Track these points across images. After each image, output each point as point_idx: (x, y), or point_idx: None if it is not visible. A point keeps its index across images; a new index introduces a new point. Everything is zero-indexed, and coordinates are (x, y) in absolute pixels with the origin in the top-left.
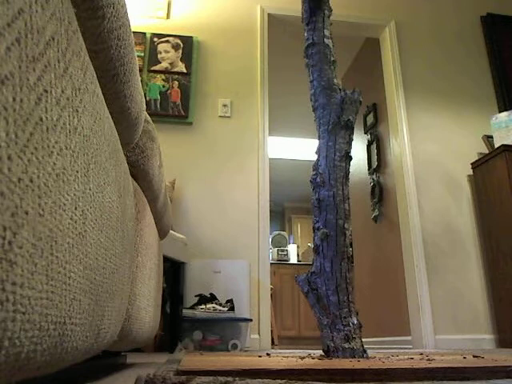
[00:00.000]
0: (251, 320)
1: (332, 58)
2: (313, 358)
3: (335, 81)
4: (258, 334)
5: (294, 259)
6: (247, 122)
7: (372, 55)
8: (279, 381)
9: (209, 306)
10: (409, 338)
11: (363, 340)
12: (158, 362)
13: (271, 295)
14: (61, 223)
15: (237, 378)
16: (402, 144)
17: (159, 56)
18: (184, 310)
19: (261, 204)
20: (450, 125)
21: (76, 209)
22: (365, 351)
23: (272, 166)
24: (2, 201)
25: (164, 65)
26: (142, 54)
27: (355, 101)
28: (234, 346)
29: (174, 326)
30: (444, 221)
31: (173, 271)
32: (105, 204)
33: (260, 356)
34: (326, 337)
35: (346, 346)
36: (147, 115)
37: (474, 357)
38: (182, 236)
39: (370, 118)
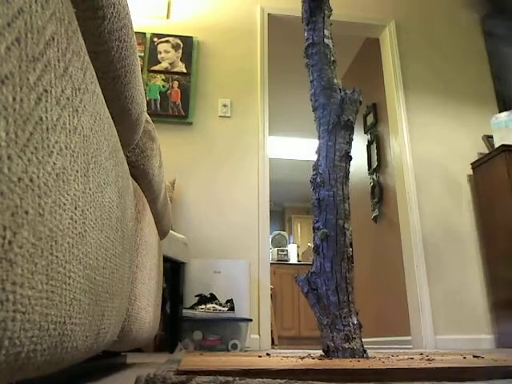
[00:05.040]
0: (251, 320)
1: (332, 58)
2: (313, 358)
3: (335, 81)
4: (258, 334)
5: (294, 259)
6: (247, 122)
7: (372, 55)
8: (279, 381)
9: (209, 306)
10: (409, 338)
11: (363, 340)
12: (157, 362)
13: (271, 295)
14: (61, 223)
15: (237, 378)
16: (402, 144)
17: (159, 56)
18: (184, 310)
19: (261, 204)
20: (450, 125)
21: (76, 209)
22: (365, 351)
23: (272, 166)
24: (2, 200)
25: (164, 65)
26: (142, 54)
27: (355, 101)
28: (234, 346)
29: (174, 326)
30: (444, 221)
31: (173, 271)
32: (105, 204)
33: (260, 356)
34: (326, 337)
35: (346, 346)
36: (147, 115)
37: (474, 357)
38: (182, 236)
39: (370, 118)
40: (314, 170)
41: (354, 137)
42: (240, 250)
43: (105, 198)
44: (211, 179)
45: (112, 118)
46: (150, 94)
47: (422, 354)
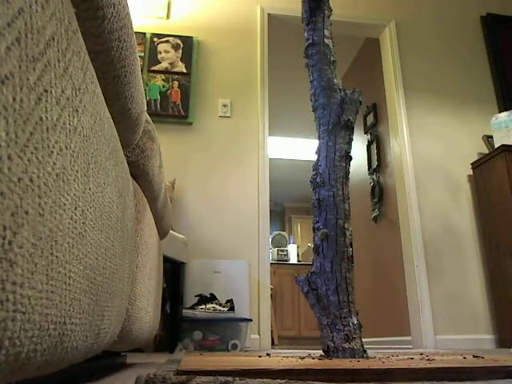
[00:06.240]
0: (251, 320)
1: (332, 58)
2: (313, 358)
3: (335, 81)
4: (258, 334)
5: (294, 259)
6: (247, 122)
7: (372, 55)
8: (279, 381)
9: (209, 306)
10: (409, 338)
11: (363, 340)
12: (157, 362)
13: (271, 295)
14: (61, 223)
15: (237, 378)
16: (402, 144)
17: (159, 56)
18: (184, 310)
19: (261, 204)
20: (450, 125)
21: (76, 209)
22: (365, 351)
23: (272, 166)
24: (3, 200)
25: (164, 65)
26: (142, 54)
27: (355, 101)
28: (234, 346)
29: (174, 326)
30: (444, 221)
31: (173, 271)
32: (105, 204)
33: (260, 356)
34: (326, 337)
35: (346, 346)
36: (147, 115)
37: (474, 357)
38: (182, 236)
39: (370, 118)
40: (313, 170)
41: (354, 137)
42: (240, 250)
43: (105, 198)
44: (211, 179)
45: (112, 118)
46: (150, 94)
47: (422, 354)
